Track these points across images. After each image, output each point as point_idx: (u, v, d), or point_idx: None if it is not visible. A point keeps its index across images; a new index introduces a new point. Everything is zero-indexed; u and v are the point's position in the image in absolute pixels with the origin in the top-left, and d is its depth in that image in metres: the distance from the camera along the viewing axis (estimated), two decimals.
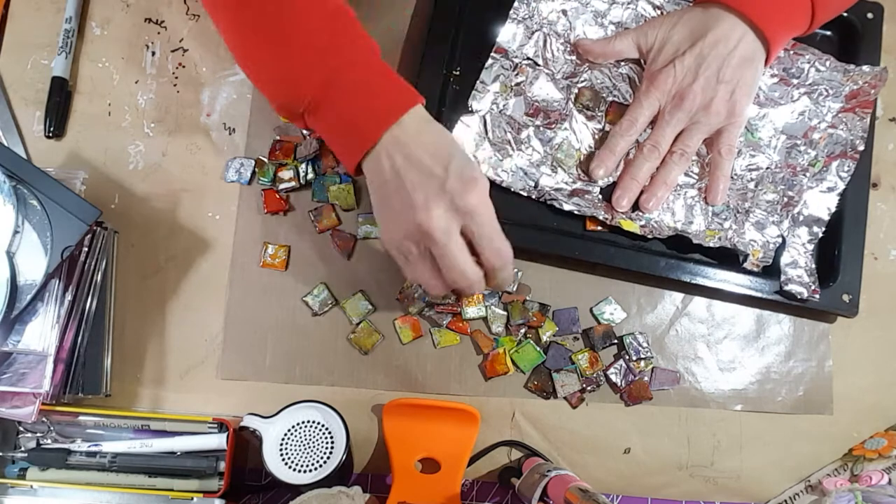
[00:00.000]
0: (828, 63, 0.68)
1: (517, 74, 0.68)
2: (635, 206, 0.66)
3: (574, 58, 0.69)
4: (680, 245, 0.67)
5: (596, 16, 0.69)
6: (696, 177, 0.67)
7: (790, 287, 0.64)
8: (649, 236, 0.65)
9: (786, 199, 0.67)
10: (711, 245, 0.65)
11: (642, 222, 0.66)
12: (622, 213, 0.66)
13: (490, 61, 0.67)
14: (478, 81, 0.67)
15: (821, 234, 0.66)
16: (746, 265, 0.65)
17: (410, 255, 0.54)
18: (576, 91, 0.68)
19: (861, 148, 0.66)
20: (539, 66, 0.68)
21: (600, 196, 0.67)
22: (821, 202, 0.66)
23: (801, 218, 0.67)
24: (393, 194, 0.52)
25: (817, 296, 0.64)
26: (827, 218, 0.66)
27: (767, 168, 0.67)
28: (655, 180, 0.66)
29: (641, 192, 0.66)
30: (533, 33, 0.68)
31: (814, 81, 0.68)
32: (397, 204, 0.52)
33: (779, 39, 0.62)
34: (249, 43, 0.55)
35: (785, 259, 0.65)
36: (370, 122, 0.53)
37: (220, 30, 0.57)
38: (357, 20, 0.54)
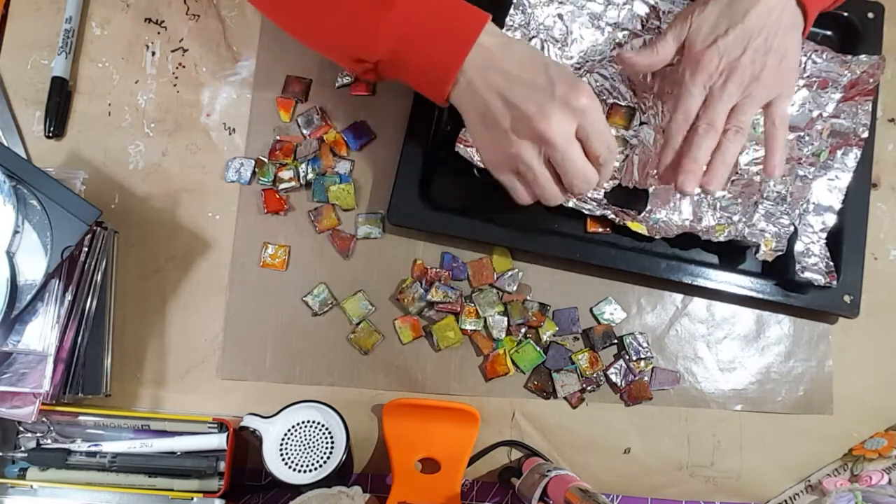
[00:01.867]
0: (825, 55, 0.67)
1: None
2: (640, 207, 0.66)
3: (572, 62, 0.69)
4: (682, 243, 0.67)
5: (592, 18, 0.69)
6: None
7: (807, 274, 0.64)
8: (657, 237, 0.65)
9: (793, 191, 0.67)
10: (722, 239, 0.65)
11: (650, 223, 0.65)
12: (646, 208, 0.65)
13: None
14: None
15: (833, 222, 0.66)
16: (759, 256, 0.65)
17: (528, 170, 0.56)
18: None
19: (864, 135, 0.66)
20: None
21: (605, 200, 0.67)
22: (830, 191, 0.67)
23: (812, 207, 0.67)
24: (501, 111, 0.54)
25: (835, 282, 0.64)
26: (838, 206, 0.66)
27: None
28: (714, 161, 0.61)
29: (704, 175, 0.62)
30: (530, 40, 0.68)
31: (812, 73, 0.68)
32: (507, 122, 0.54)
33: (815, 7, 0.61)
34: (306, 10, 0.56)
35: (798, 248, 0.65)
36: (448, 55, 0.54)
37: (269, 10, 0.58)
38: None
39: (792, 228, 0.65)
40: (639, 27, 0.69)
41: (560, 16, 0.69)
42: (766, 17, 0.59)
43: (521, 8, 0.68)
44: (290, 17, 0.58)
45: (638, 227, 0.65)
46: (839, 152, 0.67)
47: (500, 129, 0.55)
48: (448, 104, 0.58)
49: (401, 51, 0.55)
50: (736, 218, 0.66)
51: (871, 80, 0.66)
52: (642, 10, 0.69)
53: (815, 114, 0.68)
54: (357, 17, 0.54)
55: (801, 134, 0.68)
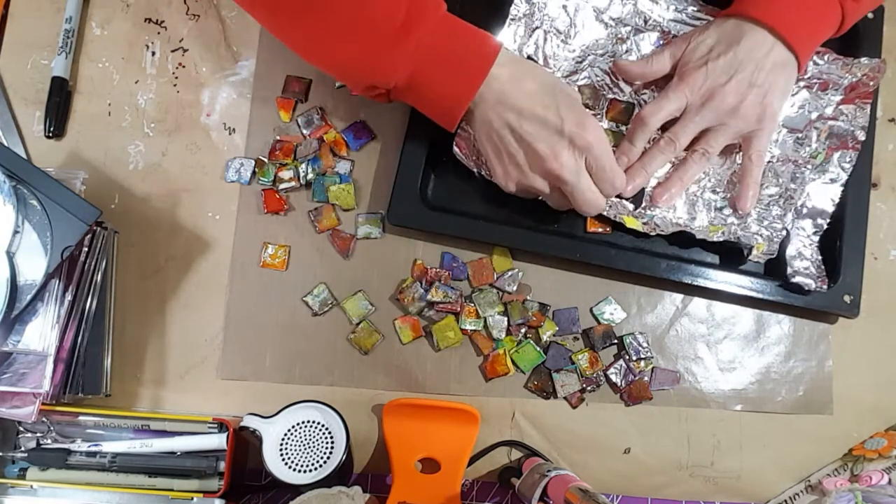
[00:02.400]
0: (826, 57, 0.67)
1: None
2: (636, 202, 0.66)
3: (574, 55, 0.69)
4: (681, 242, 0.67)
5: (596, 12, 0.69)
6: (702, 173, 0.67)
7: (798, 279, 0.64)
8: (652, 233, 0.65)
9: (788, 193, 0.66)
10: (715, 239, 0.65)
11: (645, 220, 0.66)
12: (626, 200, 0.66)
13: None
14: None
15: (826, 226, 0.66)
16: (752, 258, 0.65)
17: (542, 195, 0.62)
18: (576, 89, 0.68)
19: (862, 138, 0.66)
20: (539, 64, 0.68)
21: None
22: (824, 194, 0.66)
23: (805, 210, 0.66)
24: (513, 146, 0.58)
25: (825, 286, 0.64)
26: (831, 209, 0.66)
27: (768, 162, 0.67)
28: (672, 176, 0.65)
29: (656, 186, 0.66)
30: (534, 31, 0.68)
31: (812, 75, 0.68)
32: (520, 155, 0.59)
33: (807, 50, 0.62)
34: (319, 35, 0.56)
35: (790, 252, 0.65)
36: (461, 87, 0.56)
37: (280, 33, 0.59)
38: None
39: (784, 232, 0.65)
40: (642, 24, 0.69)
41: (564, 7, 0.69)
42: (755, 51, 0.61)
43: None
44: (304, 41, 0.58)
45: (634, 224, 0.65)
46: (836, 155, 0.67)
47: (514, 163, 0.59)
48: (457, 130, 0.61)
49: (415, 79, 0.56)
50: (730, 219, 0.66)
51: (872, 84, 0.66)
52: (646, 6, 0.69)
53: (813, 115, 0.68)
54: (374, 45, 0.55)
55: (800, 135, 0.68)
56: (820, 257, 0.66)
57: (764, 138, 0.64)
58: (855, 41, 0.70)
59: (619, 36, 0.69)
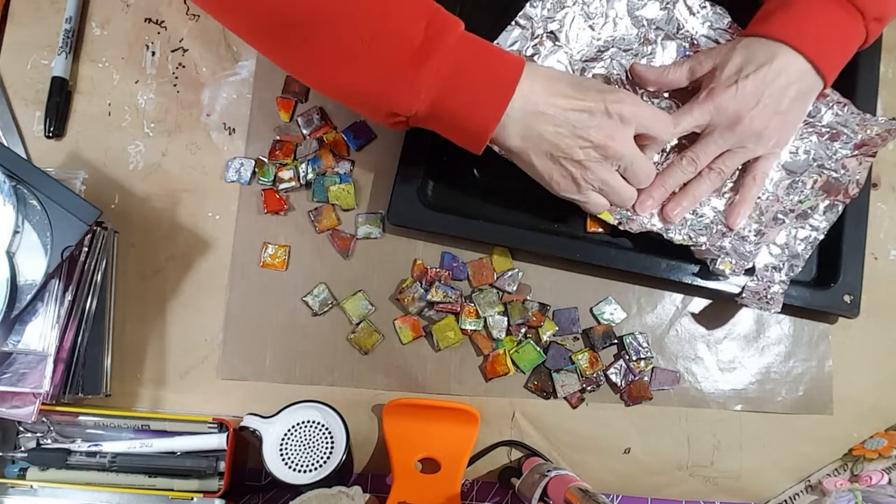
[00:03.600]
0: (846, 108, 0.66)
1: (535, 45, 0.66)
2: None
3: (599, 43, 0.68)
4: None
5: (630, 8, 0.68)
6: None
7: (743, 300, 0.64)
8: (621, 228, 0.64)
9: (763, 231, 0.65)
10: (678, 242, 0.64)
11: (618, 215, 0.65)
12: (643, 215, 0.64)
13: (511, 25, 0.66)
14: (494, 41, 0.65)
15: (799, 270, 0.65)
16: (713, 269, 0.64)
17: (605, 185, 0.59)
18: (589, 76, 0.67)
19: (854, 193, 0.65)
20: (559, 43, 0.67)
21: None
22: (802, 240, 0.66)
23: (778, 251, 0.66)
24: (568, 147, 0.57)
25: (778, 310, 0.64)
26: (806, 256, 0.65)
27: (758, 198, 0.66)
28: (684, 191, 0.64)
29: (667, 201, 0.65)
30: (564, 8, 0.67)
31: (827, 124, 0.67)
32: (579, 152, 0.57)
33: (834, 72, 0.62)
34: (329, 62, 0.53)
35: (751, 285, 0.65)
36: (489, 108, 0.54)
37: (289, 65, 0.56)
38: None
39: (750, 265, 0.64)
40: (673, 31, 0.68)
41: None
42: (783, 76, 0.60)
43: None
44: (313, 69, 0.55)
45: (607, 217, 0.64)
46: (823, 205, 0.66)
47: (574, 160, 0.57)
48: (482, 153, 0.58)
49: (438, 104, 0.54)
50: (701, 240, 0.65)
51: (881, 143, 0.65)
52: (682, 15, 0.68)
53: (815, 164, 0.67)
54: (392, 70, 0.52)
55: (795, 179, 0.67)
56: (782, 294, 0.64)
57: (772, 162, 0.64)
58: None
59: (648, 37, 0.68)
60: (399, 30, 0.52)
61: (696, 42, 0.68)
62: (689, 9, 0.68)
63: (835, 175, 0.66)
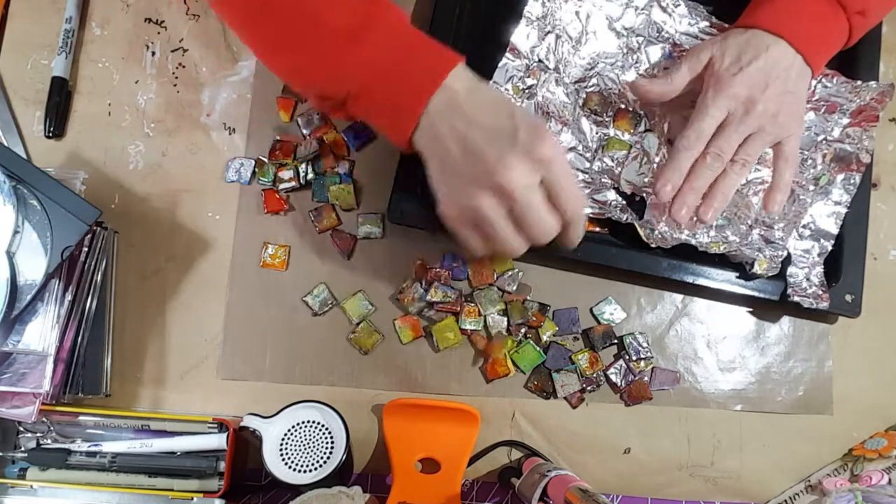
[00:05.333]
0: (834, 79, 0.67)
1: (529, 77, 0.67)
2: (639, 213, 0.66)
3: (584, 62, 0.68)
4: (682, 246, 0.67)
5: (609, 20, 0.68)
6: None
7: (796, 299, 0.64)
8: (653, 245, 0.65)
9: (791, 214, 0.66)
10: (716, 252, 0.65)
11: (647, 231, 0.65)
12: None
13: (504, 61, 0.66)
14: (491, 81, 0.66)
15: (830, 248, 0.66)
16: (754, 272, 0.64)
17: (487, 223, 0.52)
18: (584, 95, 0.68)
19: (867, 161, 0.66)
20: (550, 69, 0.68)
21: (614, 201, 0.66)
22: (828, 216, 0.66)
23: (808, 233, 0.66)
24: (459, 159, 0.51)
25: (826, 303, 0.64)
26: (836, 231, 0.66)
27: None
28: (713, 191, 0.61)
29: (699, 206, 0.63)
30: (546, 34, 0.67)
31: (820, 97, 0.68)
32: (466, 168, 0.51)
33: (819, 63, 0.62)
34: (277, 41, 0.55)
35: (791, 271, 0.65)
36: (411, 97, 0.52)
37: (243, 35, 0.58)
38: None
39: (785, 253, 0.65)
40: (654, 35, 0.69)
41: (577, 13, 0.68)
42: (781, 60, 0.60)
43: (540, 0, 0.67)
44: (264, 47, 0.57)
45: (642, 233, 0.65)
46: (839, 177, 0.67)
47: (460, 179, 0.52)
48: (411, 150, 0.55)
49: (365, 90, 0.53)
50: (731, 238, 0.66)
51: (879, 107, 0.66)
52: (659, 17, 0.69)
53: (819, 138, 0.67)
54: (325, 52, 0.53)
55: (804, 157, 0.67)
56: (823, 277, 0.65)
57: (795, 142, 0.63)
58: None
59: (631, 46, 0.68)
60: (337, 15, 0.52)
61: (678, 42, 0.69)
62: (664, 9, 0.69)
63: (841, 146, 0.67)
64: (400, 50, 0.53)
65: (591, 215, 0.66)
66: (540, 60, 0.67)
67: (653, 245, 0.65)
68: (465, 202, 0.52)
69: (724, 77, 0.60)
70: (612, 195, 0.66)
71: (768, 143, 0.63)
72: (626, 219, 0.65)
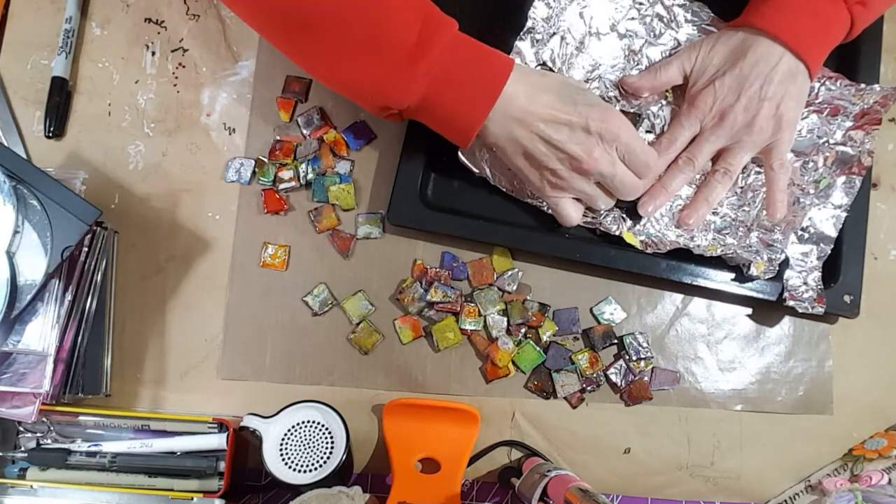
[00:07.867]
0: (838, 82, 0.67)
1: None
2: (634, 218, 0.66)
3: (587, 64, 0.68)
4: (679, 248, 0.67)
5: (612, 22, 0.68)
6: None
7: (791, 303, 0.64)
8: (648, 251, 0.65)
9: (790, 217, 0.66)
10: (713, 255, 0.65)
11: (643, 237, 0.65)
12: (625, 215, 0.65)
13: None
14: None
15: (829, 251, 0.66)
16: (750, 274, 0.64)
17: (583, 194, 0.61)
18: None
19: (868, 163, 0.66)
20: (554, 70, 0.67)
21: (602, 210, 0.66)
22: (827, 219, 0.66)
23: (807, 236, 0.66)
24: (545, 156, 0.59)
25: (822, 308, 0.64)
26: (835, 235, 0.66)
27: None
28: (697, 197, 0.65)
29: (682, 209, 0.65)
30: (551, 36, 0.67)
31: (823, 100, 0.67)
32: (555, 162, 0.59)
33: (817, 57, 0.62)
34: (333, 56, 0.56)
35: (788, 275, 0.65)
36: (474, 109, 0.57)
37: (295, 54, 0.59)
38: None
39: (783, 256, 0.65)
40: (656, 36, 0.68)
41: (581, 15, 0.68)
42: (761, 64, 0.61)
43: (546, 1, 0.67)
44: (318, 62, 0.57)
45: (631, 240, 0.65)
46: (840, 180, 0.66)
47: (553, 172, 0.60)
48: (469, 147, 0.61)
49: (427, 101, 0.56)
50: (729, 241, 0.66)
51: (883, 110, 0.65)
52: (661, 18, 0.68)
53: (821, 141, 0.67)
54: (387, 67, 0.55)
55: (806, 160, 0.67)
56: (820, 283, 0.65)
57: (784, 146, 0.63)
58: (855, 40, 0.69)
59: (632, 48, 0.68)
60: (396, 30, 0.54)
61: (679, 43, 0.68)
62: (667, 9, 0.69)
63: (843, 149, 0.66)
64: (459, 63, 0.56)
65: (582, 224, 0.66)
66: (544, 62, 0.67)
67: (648, 251, 0.65)
68: (560, 182, 0.60)
69: (697, 90, 0.64)
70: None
71: (751, 152, 0.64)
72: (616, 230, 0.65)
